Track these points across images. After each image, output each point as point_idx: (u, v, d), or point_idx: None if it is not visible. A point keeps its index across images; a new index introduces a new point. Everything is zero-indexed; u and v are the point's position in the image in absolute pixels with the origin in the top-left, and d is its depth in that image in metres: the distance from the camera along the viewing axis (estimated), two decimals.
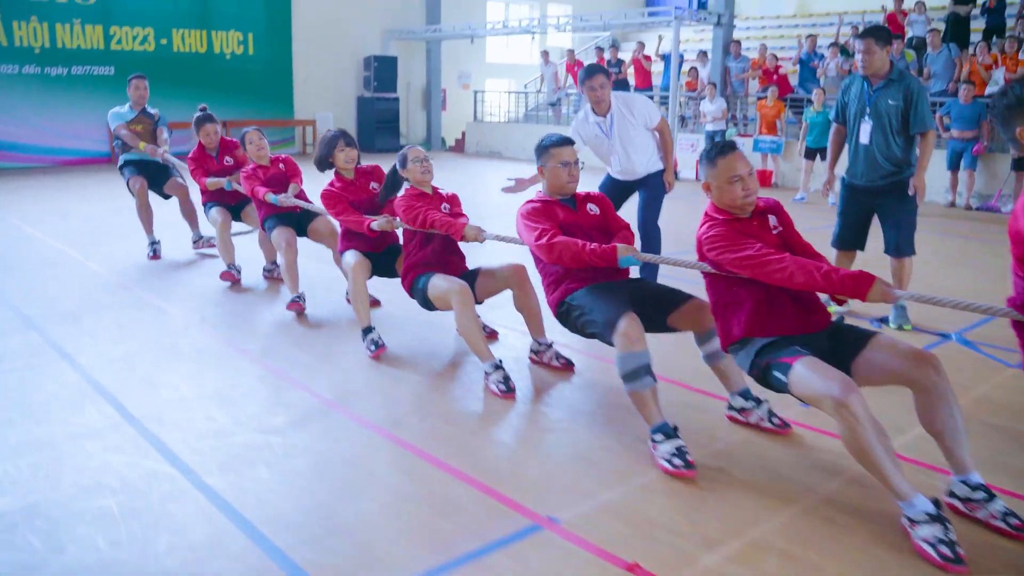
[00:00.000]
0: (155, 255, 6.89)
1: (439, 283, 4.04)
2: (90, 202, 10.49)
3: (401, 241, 4.57)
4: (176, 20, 16.03)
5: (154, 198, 7.06)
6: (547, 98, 17.99)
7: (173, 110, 16.60)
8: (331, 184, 4.84)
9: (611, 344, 3.23)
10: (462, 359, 4.44)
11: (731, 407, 3.51)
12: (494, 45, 21.81)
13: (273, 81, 17.50)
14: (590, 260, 3.34)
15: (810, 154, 11.11)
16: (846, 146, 5.15)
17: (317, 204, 5.18)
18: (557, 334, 4.35)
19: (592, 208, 3.75)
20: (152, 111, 7.07)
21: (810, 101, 13.33)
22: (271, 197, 5.41)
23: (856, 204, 5.12)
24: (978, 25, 14.24)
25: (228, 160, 6.38)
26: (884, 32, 4.83)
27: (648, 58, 15.54)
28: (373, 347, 4.44)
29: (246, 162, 6.21)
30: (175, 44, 16.09)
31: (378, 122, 18.57)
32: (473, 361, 4.31)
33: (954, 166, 10.68)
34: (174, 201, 7.15)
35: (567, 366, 4.23)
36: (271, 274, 6.26)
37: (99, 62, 15.09)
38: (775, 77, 13.09)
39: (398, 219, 4.35)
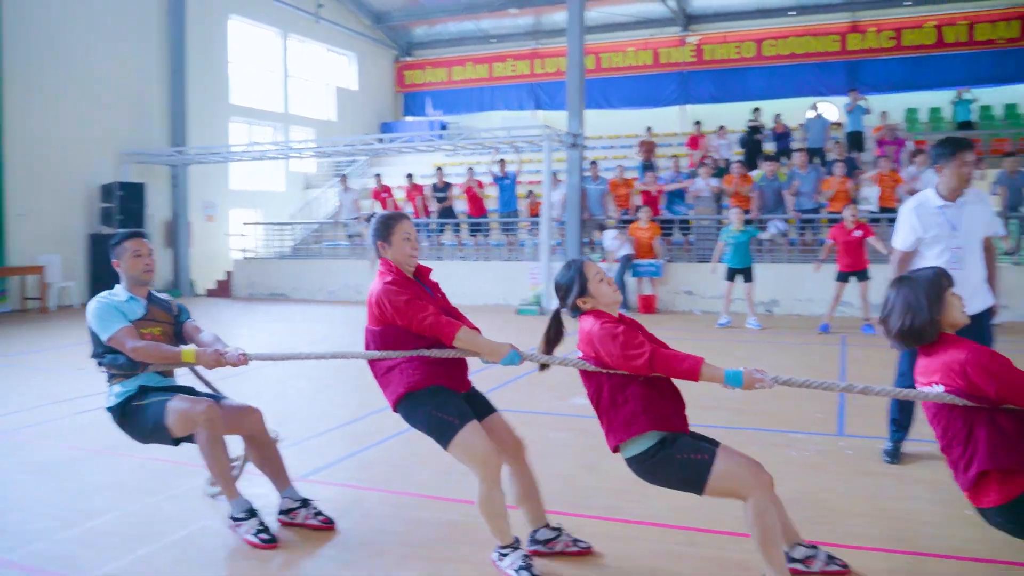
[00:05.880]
0: (271, 540, 3.46)
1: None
2: None
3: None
4: None
5: None
6: (349, 228, 15.75)
7: None
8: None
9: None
10: None
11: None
12: (237, 171, 18.85)
13: None
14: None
15: (731, 275, 10.70)
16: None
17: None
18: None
19: None
20: (164, 297, 3.92)
21: (684, 223, 13.39)
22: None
23: None
24: (769, 148, 15.84)
25: (439, 296, 3.48)
26: None
27: (480, 184, 14.43)
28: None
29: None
30: None
31: None
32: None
33: None
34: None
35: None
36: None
37: None
38: (652, 196, 12.88)
39: None
